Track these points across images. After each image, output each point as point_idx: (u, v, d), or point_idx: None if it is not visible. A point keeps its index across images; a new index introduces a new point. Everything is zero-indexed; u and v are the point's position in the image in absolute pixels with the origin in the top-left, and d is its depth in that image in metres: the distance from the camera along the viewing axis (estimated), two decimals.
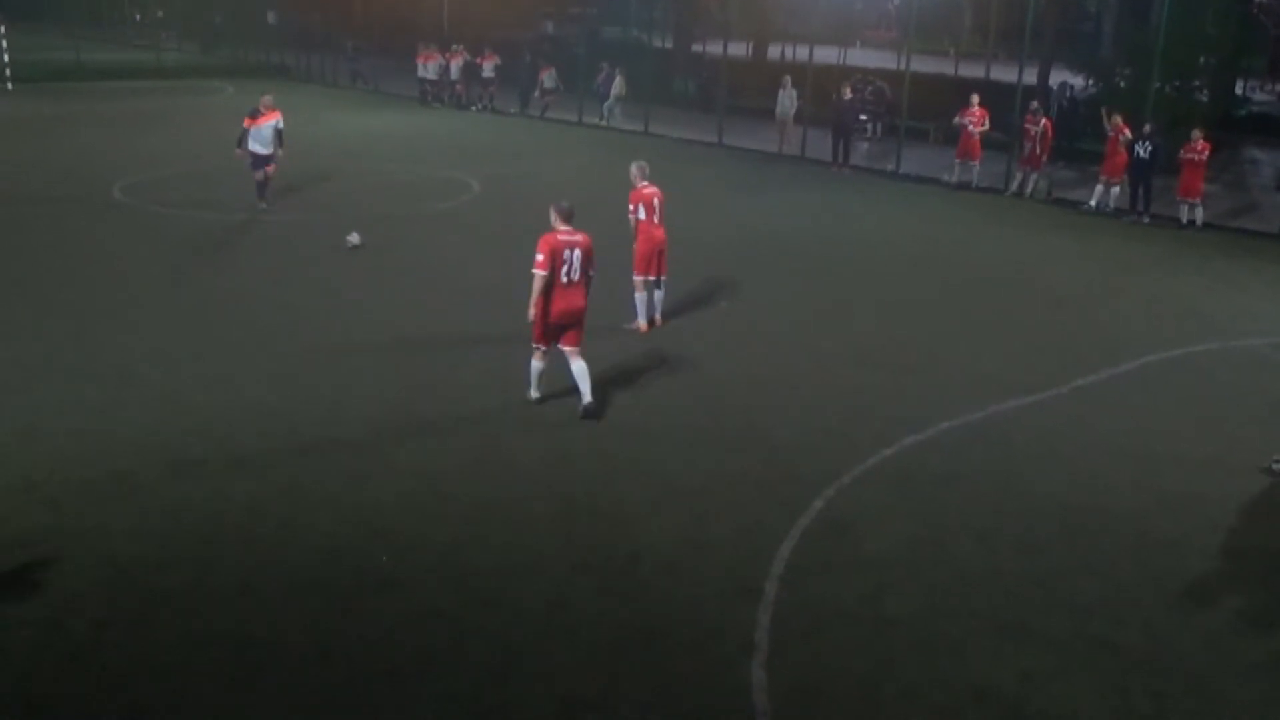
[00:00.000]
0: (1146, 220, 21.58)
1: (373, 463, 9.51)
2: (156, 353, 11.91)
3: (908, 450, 10.27)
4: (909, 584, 8.00)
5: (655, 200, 12.91)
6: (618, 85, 32.29)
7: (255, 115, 18.06)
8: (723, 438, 10.31)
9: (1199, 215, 21.27)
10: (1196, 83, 27.40)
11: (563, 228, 10.16)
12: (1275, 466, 10.05)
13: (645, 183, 12.99)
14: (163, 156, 23.65)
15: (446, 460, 9.64)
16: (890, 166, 25.97)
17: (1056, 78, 32.52)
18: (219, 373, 11.39)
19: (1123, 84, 27.80)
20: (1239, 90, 30.80)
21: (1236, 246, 19.75)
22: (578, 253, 10.10)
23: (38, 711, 6.32)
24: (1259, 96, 33.15)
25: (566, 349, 10.40)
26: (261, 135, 18.02)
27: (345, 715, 6.29)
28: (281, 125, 18.32)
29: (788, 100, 28.38)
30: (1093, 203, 22.38)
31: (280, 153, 18.38)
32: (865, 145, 28.89)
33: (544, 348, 10.42)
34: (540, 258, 9.97)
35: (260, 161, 18.18)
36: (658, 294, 13.31)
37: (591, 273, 10.36)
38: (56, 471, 9.08)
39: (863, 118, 29.49)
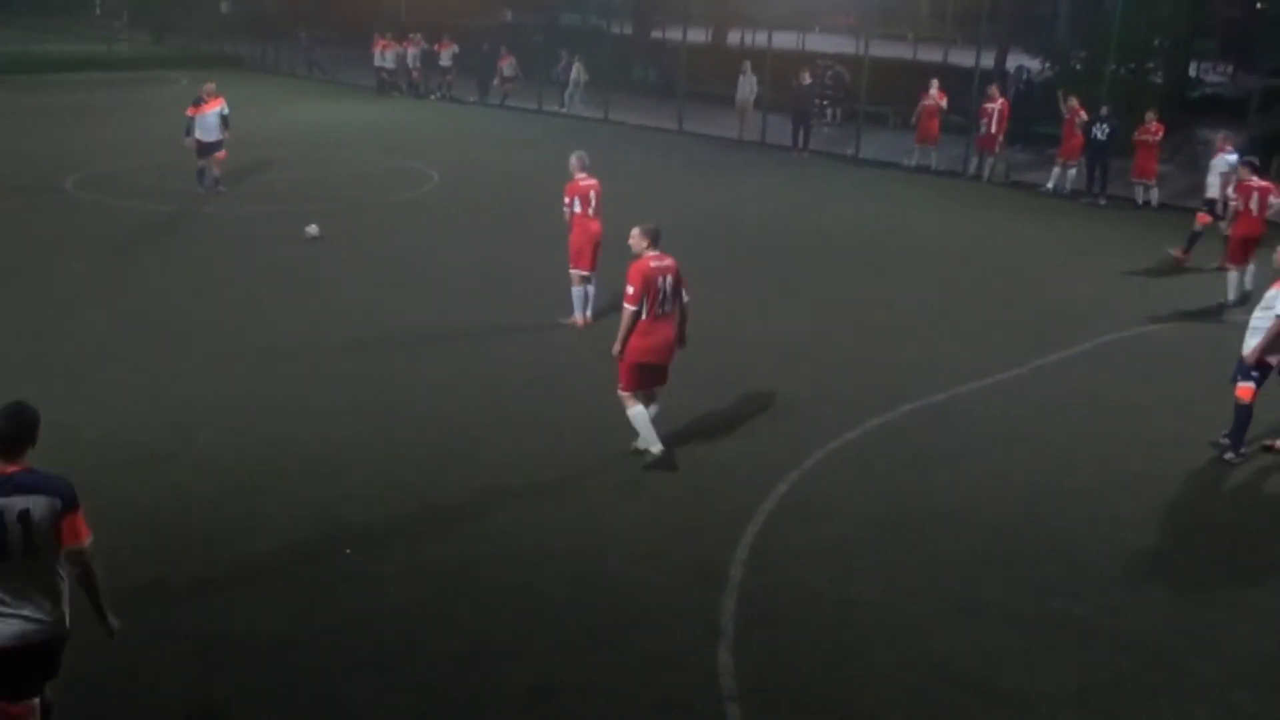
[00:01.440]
0: (1103, 202, 21.84)
1: (336, 456, 9.45)
2: (110, 346, 11.75)
3: (871, 433, 10.34)
4: (873, 566, 8.06)
5: (591, 193, 12.60)
6: (577, 72, 32.19)
7: (199, 103, 18.33)
8: (686, 424, 10.33)
9: (1154, 196, 21.55)
10: (1151, 65, 27.74)
11: (651, 253, 9.02)
12: (1222, 442, 10.21)
13: (583, 174, 12.67)
14: (116, 149, 23.29)
15: (410, 451, 9.60)
16: (850, 151, 26.08)
17: (1013, 61, 32.80)
18: (175, 365, 11.24)
19: (1078, 67, 28.09)
20: (1192, 72, 31.16)
21: (1190, 227, 19.98)
22: (669, 279, 8.97)
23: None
24: (1211, 78, 33.54)
25: (655, 391, 9.31)
26: (206, 123, 18.31)
27: (316, 705, 6.25)
28: (226, 111, 18.60)
29: (747, 86, 28.41)
30: (1050, 185, 22.61)
31: (227, 136, 18.65)
32: (825, 130, 28.97)
33: (638, 393, 9.20)
34: (631, 290, 8.80)
35: (206, 149, 18.43)
36: (590, 289, 12.91)
37: (687, 298, 9.23)
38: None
39: (822, 102, 29.56)
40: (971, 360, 12.30)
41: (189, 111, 18.39)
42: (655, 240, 9.10)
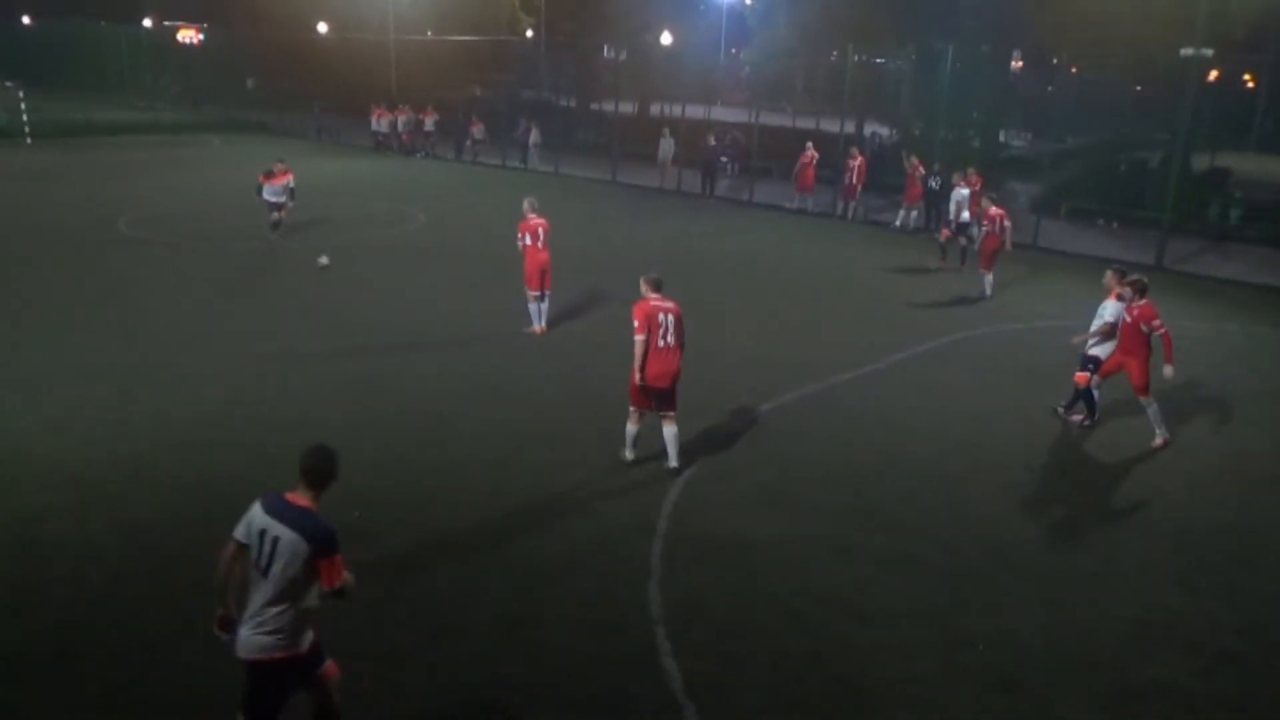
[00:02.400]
0: (939, 236, 22.13)
1: (344, 440, 9.24)
2: (161, 354, 11.41)
3: (763, 416, 10.40)
4: (767, 517, 8.10)
5: (540, 229, 12.40)
6: (534, 136, 31.94)
7: (270, 175, 17.63)
8: (618, 412, 10.29)
9: (975, 233, 21.90)
10: (971, 132, 28.25)
11: (653, 295, 8.52)
12: (1060, 411, 10.45)
13: (534, 215, 12.50)
14: (162, 197, 22.59)
15: (404, 436, 9.44)
16: (745, 197, 26.19)
17: (869, 128, 33.22)
18: (215, 370, 10.96)
19: (917, 133, 28.49)
20: (1001, 138, 31.78)
21: (1003, 255, 20.38)
22: (671, 318, 8.43)
23: (67, 653, 6.02)
24: (1016, 143, 34.26)
25: (661, 414, 8.69)
26: (274, 190, 17.66)
27: (331, 636, 6.11)
28: (292, 184, 17.90)
29: (667, 146, 28.41)
30: (897, 224, 22.87)
31: (290, 204, 17.96)
32: (726, 181, 29.07)
33: (640, 411, 8.71)
34: (636, 323, 8.35)
35: (272, 207, 17.82)
36: (543, 305, 12.76)
37: (684, 338, 8.59)
38: (78, 454, 8.65)
39: (724, 159, 29.67)
40: (841, 358, 12.41)
41: (260, 179, 17.75)
42: (657, 286, 8.53)
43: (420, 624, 6.39)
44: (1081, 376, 10.25)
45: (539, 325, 12.82)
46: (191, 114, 42.11)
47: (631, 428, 8.77)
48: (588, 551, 7.40)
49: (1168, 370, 9.58)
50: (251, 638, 4.50)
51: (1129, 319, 9.82)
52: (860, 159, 23.83)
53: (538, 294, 12.66)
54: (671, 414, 8.66)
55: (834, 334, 13.76)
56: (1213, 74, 29.60)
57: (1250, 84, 39.30)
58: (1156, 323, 9.68)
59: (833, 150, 25.28)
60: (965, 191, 18.33)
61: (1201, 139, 25.57)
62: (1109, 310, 10.05)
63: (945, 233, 18.56)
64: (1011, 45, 31.91)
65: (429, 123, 33.84)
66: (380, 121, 34.26)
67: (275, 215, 17.87)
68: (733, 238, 20.89)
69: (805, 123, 38.61)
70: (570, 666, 6.06)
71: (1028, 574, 7.41)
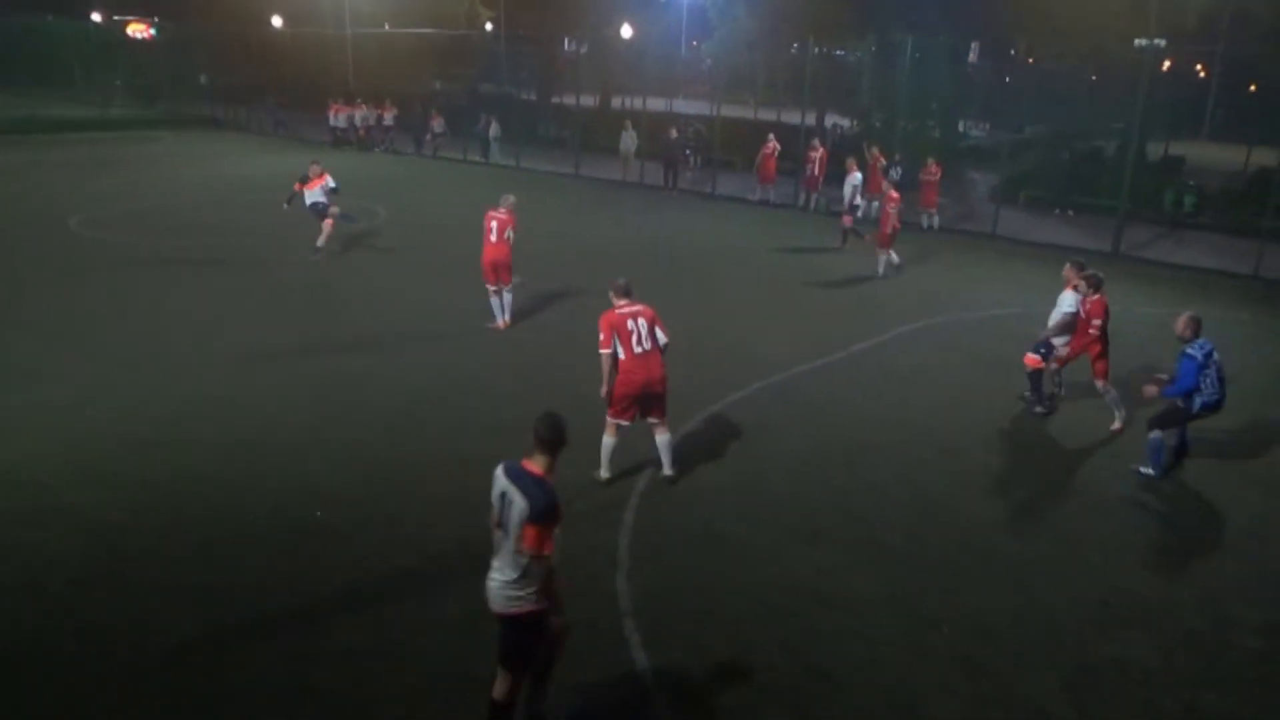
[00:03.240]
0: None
1: (309, 438, 9.18)
2: (115, 356, 11.22)
3: (730, 406, 10.46)
4: (734, 508, 8.16)
5: (494, 223, 12.28)
6: (495, 129, 31.76)
7: (305, 180, 16.07)
8: (585, 405, 10.30)
9: (935, 221, 22.19)
10: (930, 123, 28.58)
11: (621, 302, 8.19)
12: (1026, 397, 10.64)
13: (500, 208, 12.40)
14: (113, 195, 22.16)
15: (370, 432, 9.38)
16: (708, 189, 26.28)
17: (830, 120, 33.45)
18: (173, 372, 10.80)
19: (878, 124, 28.78)
20: (960, 128, 32.18)
21: (963, 244, 20.70)
22: (643, 321, 8.06)
23: (17, 665, 5.93)
24: (975, 133, 34.70)
25: (652, 421, 8.37)
26: (313, 195, 16.02)
27: (302, 636, 6.09)
28: (333, 184, 16.17)
29: (629, 139, 28.40)
30: (859, 214, 23.06)
31: (334, 211, 16.04)
32: (688, 174, 29.15)
33: (621, 422, 8.26)
34: (602, 336, 8.05)
35: (319, 213, 16.06)
36: (506, 298, 12.65)
37: (664, 340, 8.24)
38: (35, 457, 8.49)
39: (686, 152, 29.73)
40: (804, 347, 12.51)
41: (295, 187, 16.18)
42: (625, 292, 8.19)
43: (387, 620, 6.37)
44: (1031, 359, 10.45)
45: (501, 320, 12.77)
46: (143, 110, 41.34)
47: (608, 440, 8.30)
48: (557, 543, 7.39)
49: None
50: (500, 593, 4.89)
51: (1084, 312, 10.05)
52: (821, 150, 24.00)
53: (493, 288, 12.59)
54: (662, 421, 8.36)
55: (798, 324, 13.86)
56: (1166, 64, 30.15)
57: (1202, 74, 40.11)
58: (1096, 322, 9.96)
59: (794, 142, 25.44)
60: (859, 176, 19.30)
61: (1155, 128, 26.07)
62: (1067, 301, 10.25)
63: (847, 219, 19.06)
64: (970, 36, 32.30)
65: (387, 117, 33.55)
66: (338, 116, 33.88)
67: (326, 225, 15.92)
68: (695, 230, 20.94)
69: (766, 115, 38.78)
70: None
71: (991, 558, 7.55)
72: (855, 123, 31.47)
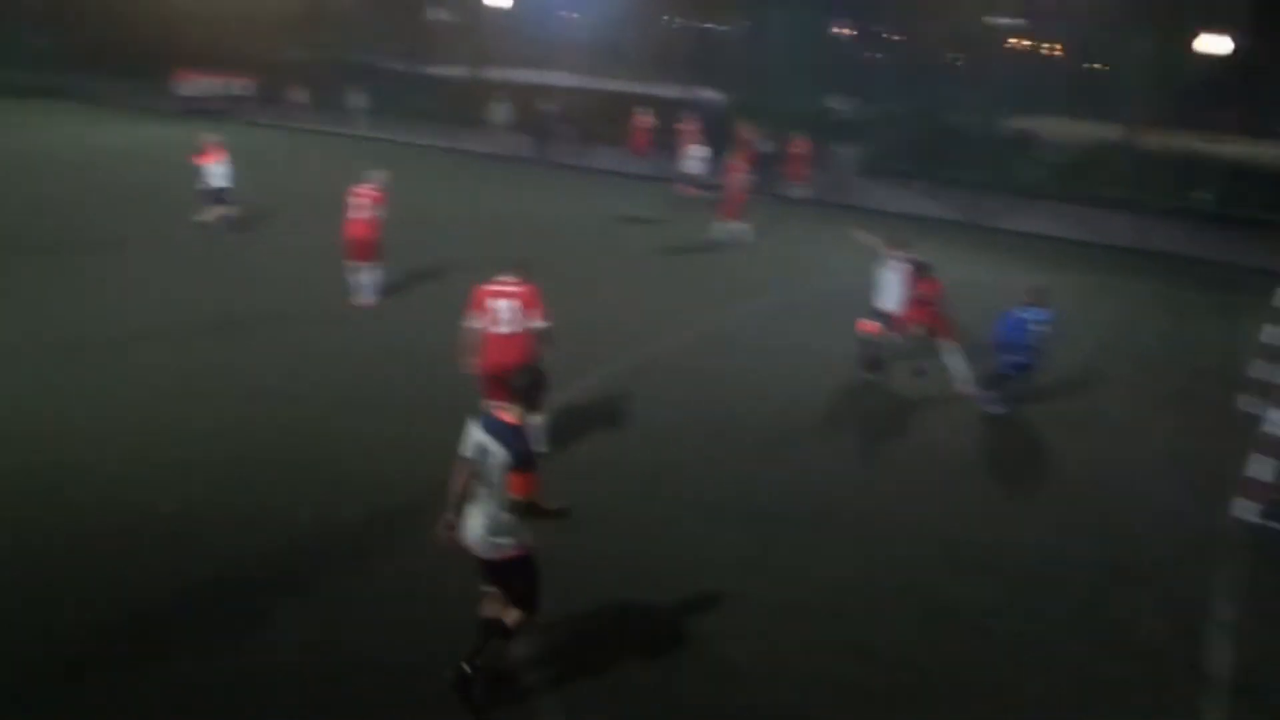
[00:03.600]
0: (767, 198, 22.86)
1: (151, 436, 8.74)
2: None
3: (603, 378, 10.49)
4: (594, 482, 8.18)
5: (355, 199, 12.07)
6: (361, 100, 30.74)
7: (201, 153, 15.25)
8: (444, 383, 10.17)
9: (803, 192, 22.80)
10: (799, 97, 29.21)
11: (502, 278, 7.92)
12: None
13: (365, 185, 12.18)
14: None
15: (221, 419, 9.00)
16: (580, 162, 26.20)
17: (700, 93, 33.71)
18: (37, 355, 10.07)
19: (748, 99, 29.23)
20: (828, 102, 32.99)
21: (830, 215, 21.32)
22: (504, 303, 7.75)
23: None
24: (841, 107, 35.62)
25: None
26: (211, 171, 15.25)
27: (154, 625, 5.84)
28: (224, 166, 15.39)
29: (500, 112, 28.05)
30: (700, 183, 23.36)
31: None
32: (560, 146, 28.95)
33: (493, 403, 8.65)
34: (471, 309, 7.86)
35: (212, 196, 15.32)
36: (375, 276, 12.38)
37: (537, 325, 7.91)
38: None
39: (558, 124, 29.51)
40: (675, 319, 12.67)
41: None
42: (513, 269, 7.92)
43: (243, 607, 6.17)
44: (865, 324, 10.88)
45: (365, 298, 12.44)
46: None
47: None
48: (412, 526, 7.29)
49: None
50: (487, 540, 5.18)
51: (917, 288, 10.55)
52: (694, 124, 24.23)
53: (358, 266, 12.29)
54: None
55: (663, 296, 14.01)
56: (1021, 42, 31.69)
57: (1055, 51, 42.33)
58: (927, 297, 10.56)
59: (666, 115, 25.58)
60: (702, 149, 20.23)
61: (1009, 104, 27.40)
62: (891, 271, 10.65)
63: (692, 190, 19.55)
64: (838, 13, 33.12)
65: (243, 87, 31.99)
66: (189, 85, 32.08)
67: (217, 207, 15.31)
68: (567, 203, 20.87)
69: (638, 88, 38.82)
70: (403, 636, 5.99)
71: (845, 514, 7.88)
72: (726, 97, 31.84)
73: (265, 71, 33.77)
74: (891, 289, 10.57)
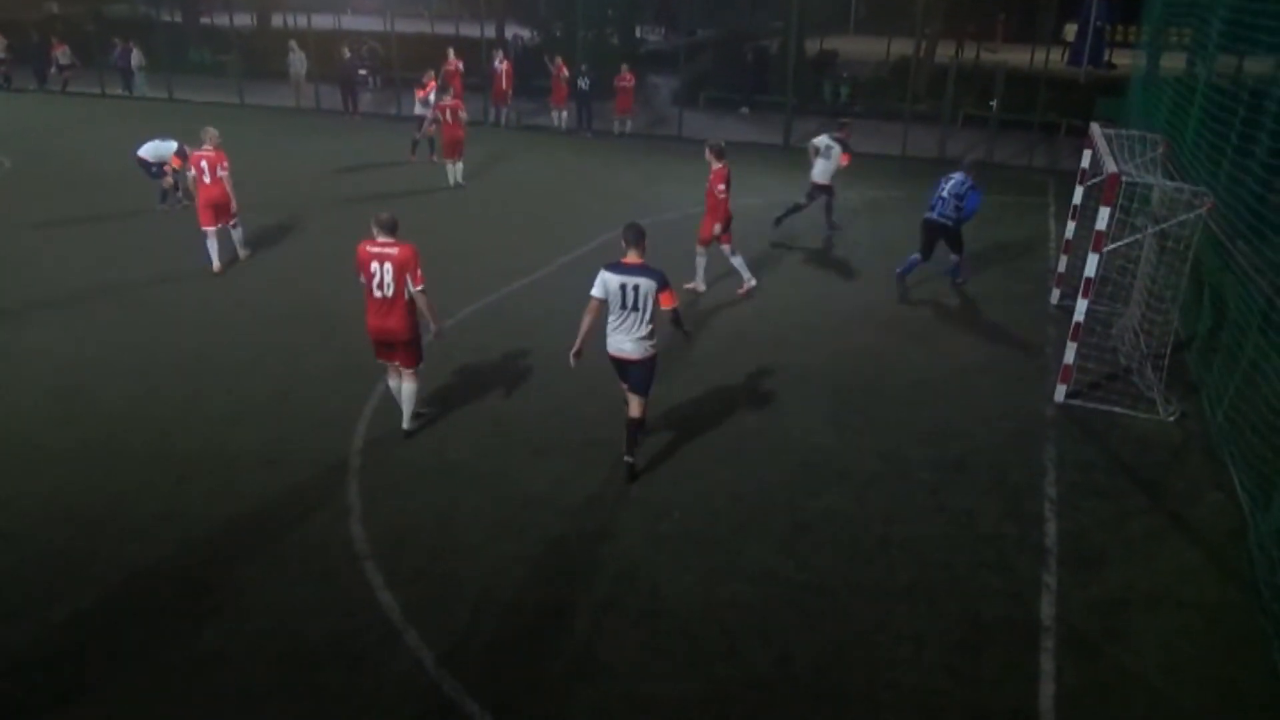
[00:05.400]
0: (589, 135, 22.84)
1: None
2: None
3: (446, 331, 10.29)
4: (460, 433, 8.18)
5: (205, 162, 11.94)
6: (136, 57, 28.18)
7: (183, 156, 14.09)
8: (299, 343, 9.76)
9: (629, 127, 22.86)
10: (609, 30, 29.07)
11: (380, 238, 7.45)
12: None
13: (206, 147, 11.99)
14: None
15: (48, 410, 8.30)
16: (393, 111, 25.21)
17: (510, 31, 32.99)
18: None
19: (558, 34, 28.83)
20: (638, 33, 32.95)
21: (653, 148, 21.51)
22: (388, 266, 7.38)
23: None
24: (652, 38, 35.65)
25: (396, 366, 7.90)
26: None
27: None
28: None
29: (298, 62, 26.45)
30: (560, 124, 23.22)
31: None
32: (368, 95, 27.73)
33: (383, 363, 7.97)
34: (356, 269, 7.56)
35: (158, 171, 14.52)
36: (236, 234, 12.52)
37: (416, 289, 7.49)
38: None
39: (363, 72, 28.17)
40: (513, 265, 12.58)
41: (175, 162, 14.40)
42: (384, 228, 7.42)
43: (101, 602, 5.79)
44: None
45: (218, 263, 12.16)
46: None
47: (392, 383, 8.03)
48: (283, 500, 7.06)
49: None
50: (638, 344, 7.18)
51: (710, 180, 11.18)
52: (506, 63, 23.74)
53: (212, 230, 12.09)
54: (408, 369, 7.86)
55: (503, 241, 13.86)
56: None
57: None
58: (721, 186, 11.18)
59: (477, 56, 24.91)
60: (430, 97, 19.45)
61: (809, 25, 28.19)
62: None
63: (430, 130, 19.18)
64: None
65: None
66: None
67: (166, 181, 14.61)
68: (380, 155, 20.09)
69: (445, 28, 37.51)
70: (282, 618, 5.82)
71: (703, 441, 8.15)
72: (536, 34, 31.28)
73: (21, 30, 30.39)
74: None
